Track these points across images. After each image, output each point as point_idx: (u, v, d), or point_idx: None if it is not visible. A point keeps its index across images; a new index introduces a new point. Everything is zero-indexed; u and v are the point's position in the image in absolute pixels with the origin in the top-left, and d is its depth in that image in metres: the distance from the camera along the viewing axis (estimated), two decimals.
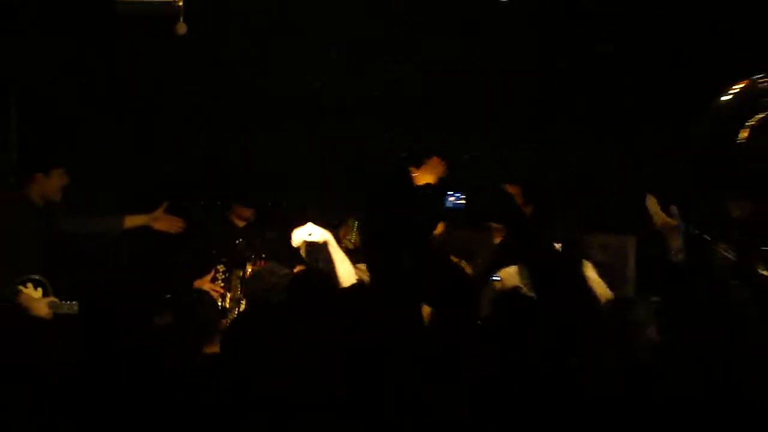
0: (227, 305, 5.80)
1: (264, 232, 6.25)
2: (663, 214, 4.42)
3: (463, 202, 5.27)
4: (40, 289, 5.55)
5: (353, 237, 6.03)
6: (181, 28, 5.77)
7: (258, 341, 3.44)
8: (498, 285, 5.30)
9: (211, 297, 5.78)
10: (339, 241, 5.62)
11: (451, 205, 5.39)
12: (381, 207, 5.25)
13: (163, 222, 6.05)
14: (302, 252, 5.83)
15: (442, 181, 5.33)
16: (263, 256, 5.86)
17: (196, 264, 6.02)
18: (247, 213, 6.12)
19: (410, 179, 5.15)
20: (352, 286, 4.76)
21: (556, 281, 4.40)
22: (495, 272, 5.26)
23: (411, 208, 5.11)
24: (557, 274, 4.51)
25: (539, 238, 4.66)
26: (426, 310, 4.51)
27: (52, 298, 5.49)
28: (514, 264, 5.28)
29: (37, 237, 5.71)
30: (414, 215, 5.12)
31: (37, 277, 5.53)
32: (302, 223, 5.40)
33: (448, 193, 5.32)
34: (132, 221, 6.02)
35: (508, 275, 5.35)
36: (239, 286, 5.83)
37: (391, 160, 5.81)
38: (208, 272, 5.92)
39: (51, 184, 5.72)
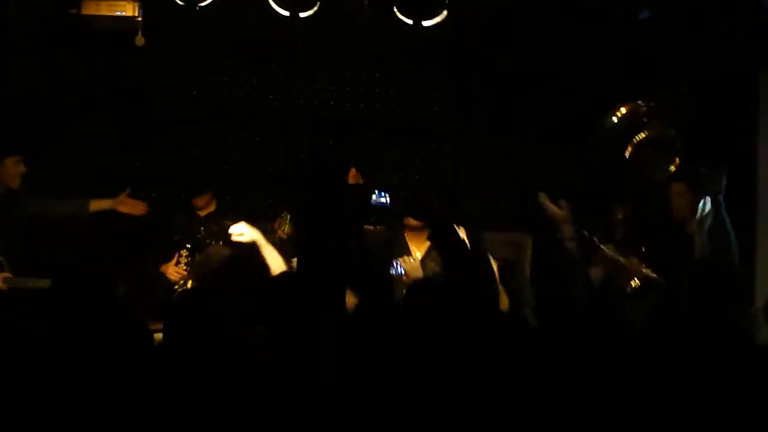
0: (188, 287, 6.05)
1: (222, 221, 6.43)
2: (553, 206, 4.70)
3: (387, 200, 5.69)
4: None
5: (286, 228, 6.23)
6: (140, 40, 6.25)
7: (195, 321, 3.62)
8: (405, 278, 5.71)
9: (168, 279, 6.08)
10: (274, 231, 5.95)
11: (377, 204, 5.77)
12: (311, 205, 5.76)
13: (128, 205, 6.33)
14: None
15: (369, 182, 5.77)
16: (221, 242, 6.05)
17: (160, 248, 6.29)
18: (203, 202, 6.42)
19: (337, 180, 5.66)
20: (281, 273, 4.98)
21: (469, 270, 4.38)
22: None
23: (338, 206, 5.64)
24: (470, 263, 4.48)
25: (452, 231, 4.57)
26: (350, 299, 5.00)
27: (6, 274, 5.72)
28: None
29: None
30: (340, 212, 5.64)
31: None
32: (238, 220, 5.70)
33: (376, 192, 5.70)
34: (98, 204, 6.30)
35: (412, 268, 5.77)
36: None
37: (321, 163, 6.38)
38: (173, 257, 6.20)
39: (6, 172, 5.95)
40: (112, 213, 6.35)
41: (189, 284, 6.01)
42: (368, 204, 5.67)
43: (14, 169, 5.99)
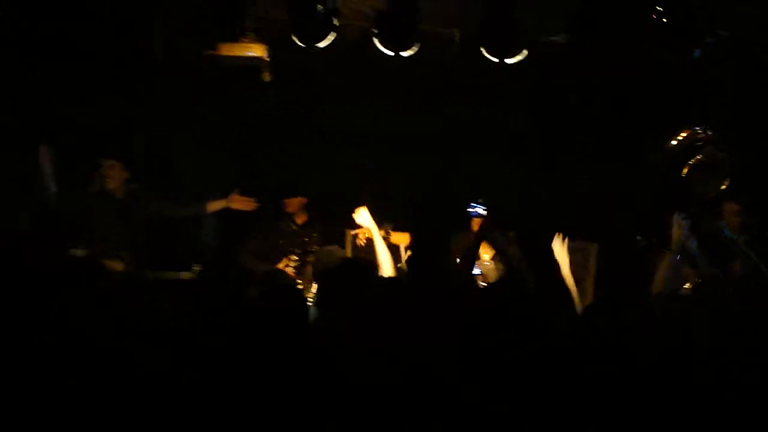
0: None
1: (316, 230, 7.26)
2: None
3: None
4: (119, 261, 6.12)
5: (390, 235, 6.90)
6: (267, 76, 7.08)
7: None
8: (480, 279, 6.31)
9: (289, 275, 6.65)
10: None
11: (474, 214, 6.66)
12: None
13: (239, 203, 7.02)
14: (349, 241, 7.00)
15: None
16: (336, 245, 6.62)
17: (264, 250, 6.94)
18: (294, 208, 7.16)
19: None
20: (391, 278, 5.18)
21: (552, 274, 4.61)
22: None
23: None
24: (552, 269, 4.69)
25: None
26: None
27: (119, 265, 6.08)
28: None
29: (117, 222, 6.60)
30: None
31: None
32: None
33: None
34: (214, 206, 7.06)
35: (488, 270, 6.41)
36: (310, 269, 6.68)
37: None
38: (277, 260, 6.84)
39: (112, 176, 6.67)
40: (226, 210, 7.07)
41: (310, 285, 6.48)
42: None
43: (119, 175, 6.72)
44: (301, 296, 4.02)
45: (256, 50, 6.93)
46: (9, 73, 6.83)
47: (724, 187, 6.62)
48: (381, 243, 5.85)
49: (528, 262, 4.56)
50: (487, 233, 5.05)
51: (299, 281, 6.75)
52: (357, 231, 6.77)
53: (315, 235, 7.27)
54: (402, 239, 7.05)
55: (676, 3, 6.39)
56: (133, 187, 6.91)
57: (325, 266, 5.29)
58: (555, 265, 4.64)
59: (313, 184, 7.60)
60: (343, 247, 7.01)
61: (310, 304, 4.29)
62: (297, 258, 6.91)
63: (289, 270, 6.84)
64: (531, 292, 4.12)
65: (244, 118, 8.07)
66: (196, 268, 6.39)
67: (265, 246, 7.01)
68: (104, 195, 6.74)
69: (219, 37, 6.88)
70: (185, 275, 6.46)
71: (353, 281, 4.25)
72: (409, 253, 6.85)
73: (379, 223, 6.90)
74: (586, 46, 6.80)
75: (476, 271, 6.34)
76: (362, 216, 6.14)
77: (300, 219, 7.21)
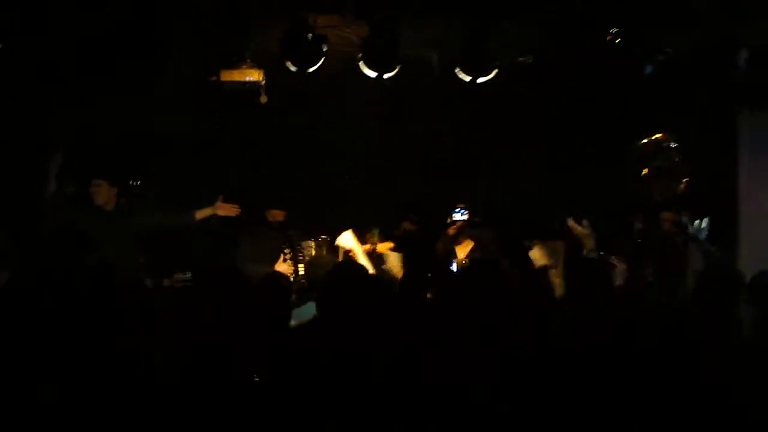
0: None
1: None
2: (578, 227, 5.74)
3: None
4: None
5: (375, 239, 7.59)
6: (263, 99, 7.50)
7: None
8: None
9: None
10: (365, 241, 7.19)
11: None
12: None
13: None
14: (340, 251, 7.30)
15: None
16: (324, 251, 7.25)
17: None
18: (280, 216, 7.48)
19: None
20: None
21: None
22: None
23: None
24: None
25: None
26: None
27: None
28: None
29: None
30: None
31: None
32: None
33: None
34: (201, 213, 7.18)
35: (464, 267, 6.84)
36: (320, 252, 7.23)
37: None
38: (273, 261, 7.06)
39: (100, 194, 6.86)
40: (212, 217, 7.24)
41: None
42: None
43: (101, 190, 6.90)
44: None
45: (254, 75, 7.40)
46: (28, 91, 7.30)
47: (678, 192, 7.37)
48: (366, 261, 6.38)
49: (507, 258, 4.88)
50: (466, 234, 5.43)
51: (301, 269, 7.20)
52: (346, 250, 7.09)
53: (292, 232, 7.62)
54: (386, 247, 7.53)
55: (629, 26, 6.95)
56: (122, 200, 7.17)
57: (319, 269, 5.81)
58: (529, 259, 4.93)
59: (302, 194, 8.08)
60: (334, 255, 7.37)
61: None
62: (289, 251, 7.18)
63: (288, 265, 7.12)
64: (510, 284, 4.38)
65: (243, 136, 8.62)
66: (180, 275, 7.00)
67: (256, 251, 7.22)
68: (95, 210, 6.97)
69: (220, 65, 7.39)
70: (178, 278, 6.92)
71: (347, 282, 4.37)
72: (391, 255, 7.09)
73: (368, 230, 7.70)
74: (549, 66, 7.37)
75: (453, 268, 6.88)
76: (346, 239, 6.68)
77: (275, 220, 7.55)
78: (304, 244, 7.23)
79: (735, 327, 4.25)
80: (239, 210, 7.26)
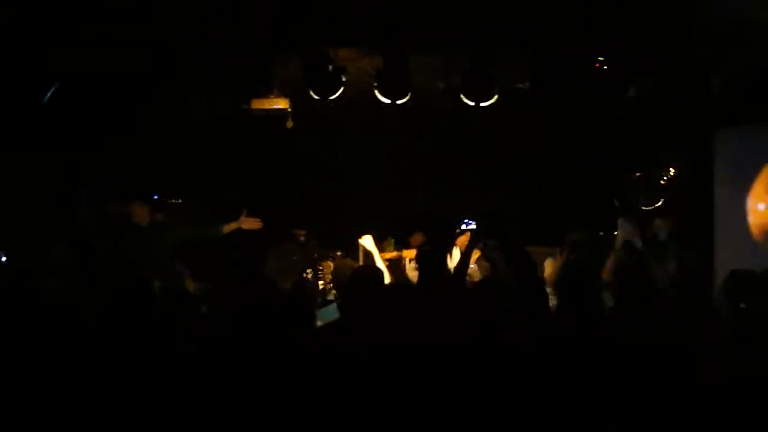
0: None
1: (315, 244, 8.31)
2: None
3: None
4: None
5: (391, 247, 8.20)
6: (290, 124, 8.12)
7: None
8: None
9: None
10: (383, 250, 7.71)
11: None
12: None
13: (248, 223, 7.77)
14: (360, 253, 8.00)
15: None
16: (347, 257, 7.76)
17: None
18: (302, 235, 8.27)
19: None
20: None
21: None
22: None
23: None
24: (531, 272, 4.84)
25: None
26: None
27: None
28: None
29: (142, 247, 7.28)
30: None
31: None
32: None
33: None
34: (228, 227, 7.80)
35: (473, 271, 7.04)
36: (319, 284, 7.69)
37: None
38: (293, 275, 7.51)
39: (137, 214, 7.51)
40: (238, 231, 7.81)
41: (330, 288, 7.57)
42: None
43: (141, 210, 7.56)
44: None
45: (281, 103, 7.99)
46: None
47: (657, 204, 8.04)
48: (381, 262, 6.95)
49: (511, 264, 4.81)
50: (476, 243, 5.71)
51: (321, 284, 7.81)
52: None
53: (316, 249, 8.37)
54: (411, 254, 8.01)
55: (614, 54, 7.52)
56: (157, 217, 7.83)
57: (343, 274, 6.13)
58: (533, 266, 4.89)
59: (326, 210, 8.73)
60: (354, 258, 8.01)
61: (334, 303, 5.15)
62: (311, 270, 7.80)
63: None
64: (512, 289, 4.45)
65: (272, 158, 9.27)
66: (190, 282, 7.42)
67: (279, 264, 7.74)
68: (131, 226, 7.60)
69: (251, 94, 7.99)
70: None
71: (365, 284, 4.79)
72: (413, 263, 7.58)
73: (384, 238, 8.22)
74: (544, 90, 7.95)
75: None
76: (367, 241, 7.22)
77: (300, 237, 8.29)
78: (324, 264, 7.72)
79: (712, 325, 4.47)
80: (261, 223, 7.80)
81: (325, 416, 3.67)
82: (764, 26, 6.94)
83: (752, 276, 5.05)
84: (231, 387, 3.75)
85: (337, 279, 7.09)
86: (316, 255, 8.18)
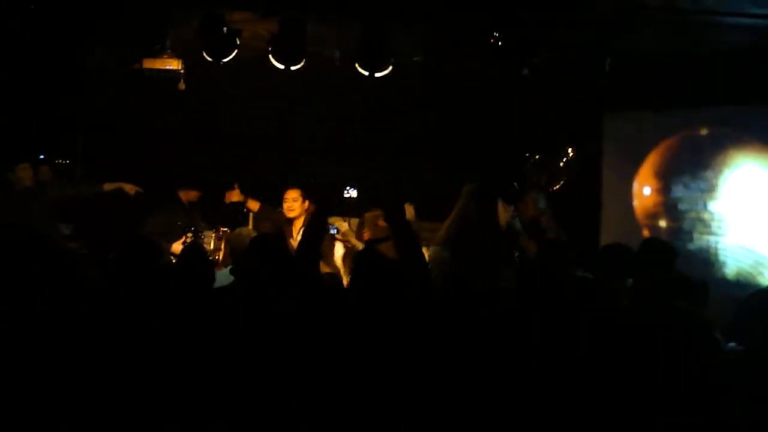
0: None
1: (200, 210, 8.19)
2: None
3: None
4: None
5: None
6: (182, 86, 8.00)
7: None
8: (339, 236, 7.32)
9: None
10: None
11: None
12: None
13: (129, 187, 8.03)
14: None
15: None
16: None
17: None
18: (193, 196, 8.13)
19: None
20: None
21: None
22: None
23: None
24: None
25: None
26: None
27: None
28: None
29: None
30: None
31: None
32: None
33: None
34: (109, 186, 8.00)
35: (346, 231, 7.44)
36: (218, 244, 7.47)
37: None
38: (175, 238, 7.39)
39: (19, 177, 7.66)
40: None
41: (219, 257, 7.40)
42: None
43: (24, 173, 7.69)
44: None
45: (173, 64, 7.89)
46: None
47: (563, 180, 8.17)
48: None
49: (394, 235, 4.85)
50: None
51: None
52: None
53: (200, 214, 8.23)
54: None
55: (509, 30, 7.56)
56: (43, 172, 7.93)
57: (240, 240, 6.16)
58: (415, 237, 4.97)
59: (210, 176, 8.60)
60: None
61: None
62: (191, 235, 7.48)
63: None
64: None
65: (162, 121, 9.16)
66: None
67: (161, 226, 7.65)
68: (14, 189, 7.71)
69: (142, 53, 7.89)
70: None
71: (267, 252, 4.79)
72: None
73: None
74: (438, 64, 8.07)
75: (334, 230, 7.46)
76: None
77: (186, 199, 8.14)
78: (206, 233, 7.60)
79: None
80: (139, 189, 8.01)
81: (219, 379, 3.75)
82: (653, 14, 7.09)
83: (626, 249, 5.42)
84: (119, 348, 3.78)
85: (233, 245, 6.95)
86: (202, 223, 8.02)
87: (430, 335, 3.96)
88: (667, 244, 6.14)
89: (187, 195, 8.16)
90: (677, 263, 5.66)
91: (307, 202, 8.04)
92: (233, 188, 8.37)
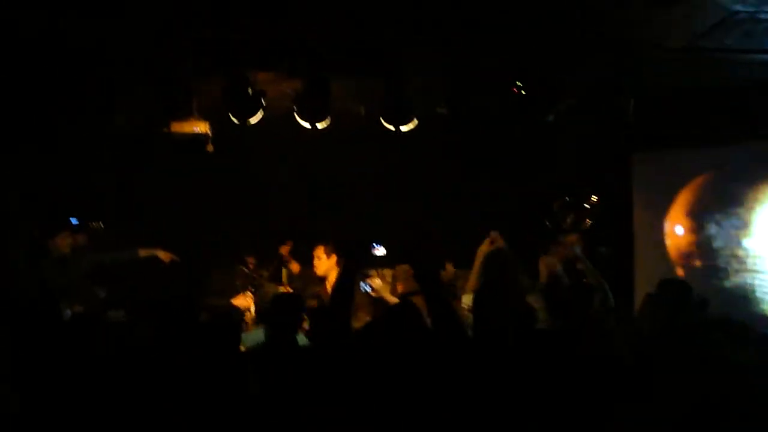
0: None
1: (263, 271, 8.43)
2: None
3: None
4: None
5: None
6: (210, 148, 8.10)
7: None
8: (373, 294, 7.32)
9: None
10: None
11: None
12: None
13: (164, 254, 8.13)
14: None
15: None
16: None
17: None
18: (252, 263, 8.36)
19: None
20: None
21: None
22: None
23: None
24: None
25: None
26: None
27: None
28: None
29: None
30: None
31: None
32: None
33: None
34: (145, 252, 8.11)
35: (380, 287, 7.44)
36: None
37: None
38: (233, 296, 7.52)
39: (57, 245, 7.74)
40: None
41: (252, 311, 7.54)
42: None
43: (63, 241, 7.78)
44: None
45: (201, 127, 7.97)
46: None
47: (587, 222, 8.07)
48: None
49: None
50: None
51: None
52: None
53: (265, 274, 8.40)
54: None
55: (532, 80, 7.57)
56: (79, 240, 8.00)
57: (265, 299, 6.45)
58: (446, 293, 4.98)
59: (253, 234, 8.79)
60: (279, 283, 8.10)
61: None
62: (252, 294, 7.72)
63: (248, 301, 7.61)
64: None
65: (192, 181, 9.26)
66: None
67: (223, 284, 7.90)
68: (53, 256, 7.77)
69: (170, 117, 7.93)
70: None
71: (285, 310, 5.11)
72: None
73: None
74: (463, 115, 7.99)
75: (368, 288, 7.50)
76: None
77: (251, 263, 8.35)
78: (266, 285, 7.76)
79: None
80: (176, 258, 8.10)
81: None
82: (676, 53, 7.08)
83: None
84: (153, 410, 3.92)
85: (260, 304, 7.19)
86: (259, 278, 8.24)
87: (467, 390, 3.97)
88: (684, 283, 5.97)
89: (250, 262, 8.37)
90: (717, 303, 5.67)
91: (334, 257, 8.00)
92: (285, 244, 8.47)
